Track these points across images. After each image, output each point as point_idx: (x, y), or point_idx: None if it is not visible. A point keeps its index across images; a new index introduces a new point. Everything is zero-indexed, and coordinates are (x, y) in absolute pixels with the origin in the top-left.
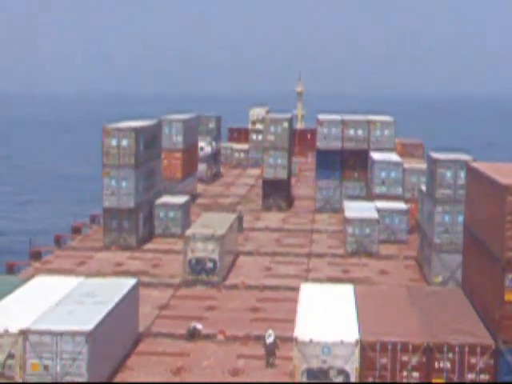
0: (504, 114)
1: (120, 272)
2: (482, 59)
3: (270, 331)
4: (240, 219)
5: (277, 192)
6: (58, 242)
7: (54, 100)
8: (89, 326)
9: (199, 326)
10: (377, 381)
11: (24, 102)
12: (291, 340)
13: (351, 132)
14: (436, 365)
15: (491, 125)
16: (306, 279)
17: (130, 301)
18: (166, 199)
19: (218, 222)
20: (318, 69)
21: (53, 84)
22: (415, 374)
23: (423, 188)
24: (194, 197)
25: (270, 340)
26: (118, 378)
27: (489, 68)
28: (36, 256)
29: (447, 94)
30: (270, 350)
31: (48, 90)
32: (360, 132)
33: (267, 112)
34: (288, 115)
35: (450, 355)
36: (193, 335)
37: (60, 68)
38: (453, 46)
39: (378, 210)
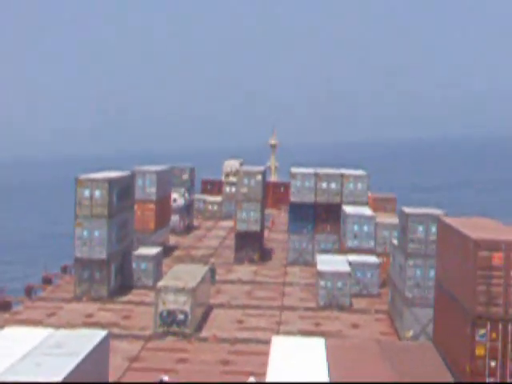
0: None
1: (90, 323)
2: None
3: (252, 378)
4: (213, 271)
5: (249, 244)
6: (29, 292)
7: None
8: (58, 378)
9: (165, 378)
10: None
11: None
12: None
13: (324, 185)
14: None
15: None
16: (278, 332)
17: (100, 352)
18: (139, 251)
19: (189, 274)
20: (291, 119)
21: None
22: None
23: (395, 242)
24: (166, 248)
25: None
26: None
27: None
28: (6, 307)
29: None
30: None
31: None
32: (333, 185)
33: (241, 164)
34: (261, 168)
35: None
36: None
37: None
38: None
39: (350, 264)
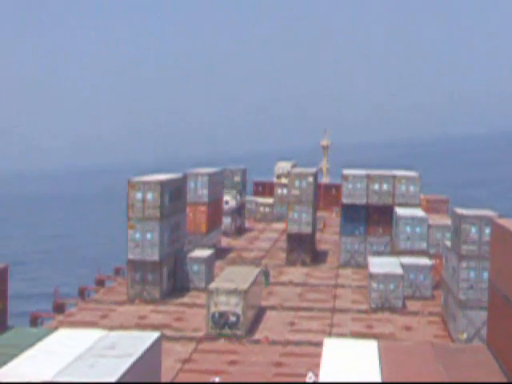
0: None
1: (143, 325)
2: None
3: (311, 374)
4: (266, 274)
5: (301, 246)
6: (82, 294)
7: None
8: (112, 379)
9: (217, 380)
10: None
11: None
12: None
13: (376, 187)
14: None
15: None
16: (330, 334)
17: (152, 354)
18: (191, 253)
19: (241, 276)
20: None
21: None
22: None
23: (448, 244)
24: (218, 250)
25: (309, 381)
26: None
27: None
28: (60, 308)
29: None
30: None
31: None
32: (385, 187)
33: (293, 166)
34: (313, 170)
35: None
36: None
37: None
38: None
39: (403, 266)
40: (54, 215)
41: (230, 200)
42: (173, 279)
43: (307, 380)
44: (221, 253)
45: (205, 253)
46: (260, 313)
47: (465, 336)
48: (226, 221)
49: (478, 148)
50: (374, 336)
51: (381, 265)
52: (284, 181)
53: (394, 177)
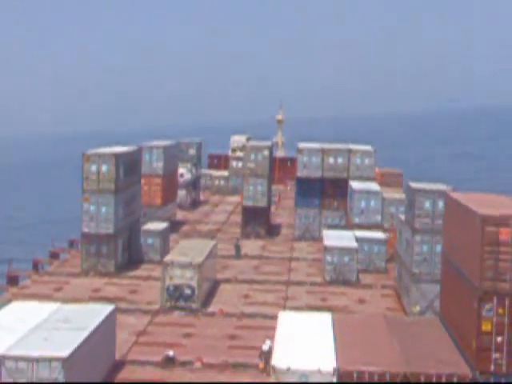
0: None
1: (97, 298)
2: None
3: (269, 341)
4: (237, 247)
5: (256, 219)
6: (36, 266)
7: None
8: (65, 352)
9: (171, 353)
10: None
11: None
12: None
13: (331, 160)
14: None
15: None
16: (284, 307)
17: (107, 327)
18: (145, 226)
19: (196, 249)
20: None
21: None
22: None
23: (402, 217)
24: (173, 223)
25: (265, 348)
26: None
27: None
28: (13, 281)
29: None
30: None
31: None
32: (340, 160)
33: (248, 139)
34: (268, 143)
35: None
36: (169, 362)
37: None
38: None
39: (357, 239)
40: (10, 184)
41: (185, 173)
42: (127, 252)
43: (263, 347)
44: (176, 226)
45: (159, 226)
46: (215, 286)
47: (417, 309)
48: (181, 194)
49: (441, 125)
50: (329, 309)
51: (335, 238)
52: (239, 154)
53: (349, 150)
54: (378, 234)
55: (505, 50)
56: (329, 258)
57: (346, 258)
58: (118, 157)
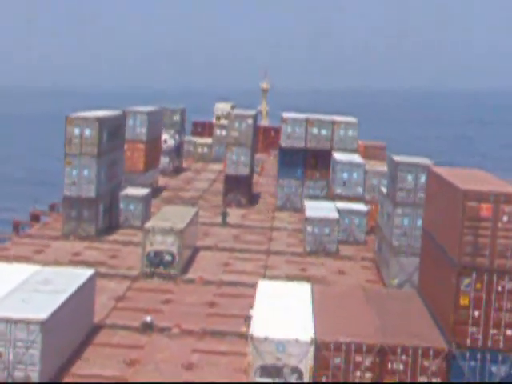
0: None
1: (77, 262)
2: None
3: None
4: (224, 215)
5: (238, 188)
6: (16, 228)
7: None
8: (43, 315)
9: (148, 319)
10: (330, 381)
11: None
12: (246, 336)
13: (315, 131)
14: (389, 366)
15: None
16: (264, 276)
17: (86, 291)
18: (127, 191)
19: (178, 216)
20: (285, 63)
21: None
22: (368, 375)
23: (384, 190)
24: (155, 189)
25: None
26: (72, 369)
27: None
28: None
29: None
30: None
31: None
32: (324, 131)
33: (232, 107)
34: (253, 112)
35: (404, 357)
36: (146, 328)
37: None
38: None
39: (338, 211)
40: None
41: (168, 139)
42: (109, 217)
43: (250, 312)
44: (158, 192)
45: (141, 191)
46: (195, 253)
47: (396, 281)
48: (164, 160)
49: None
50: (308, 279)
51: (316, 209)
52: (223, 122)
53: (333, 122)
54: (360, 206)
55: None
56: (309, 229)
57: (327, 229)
58: (101, 121)
